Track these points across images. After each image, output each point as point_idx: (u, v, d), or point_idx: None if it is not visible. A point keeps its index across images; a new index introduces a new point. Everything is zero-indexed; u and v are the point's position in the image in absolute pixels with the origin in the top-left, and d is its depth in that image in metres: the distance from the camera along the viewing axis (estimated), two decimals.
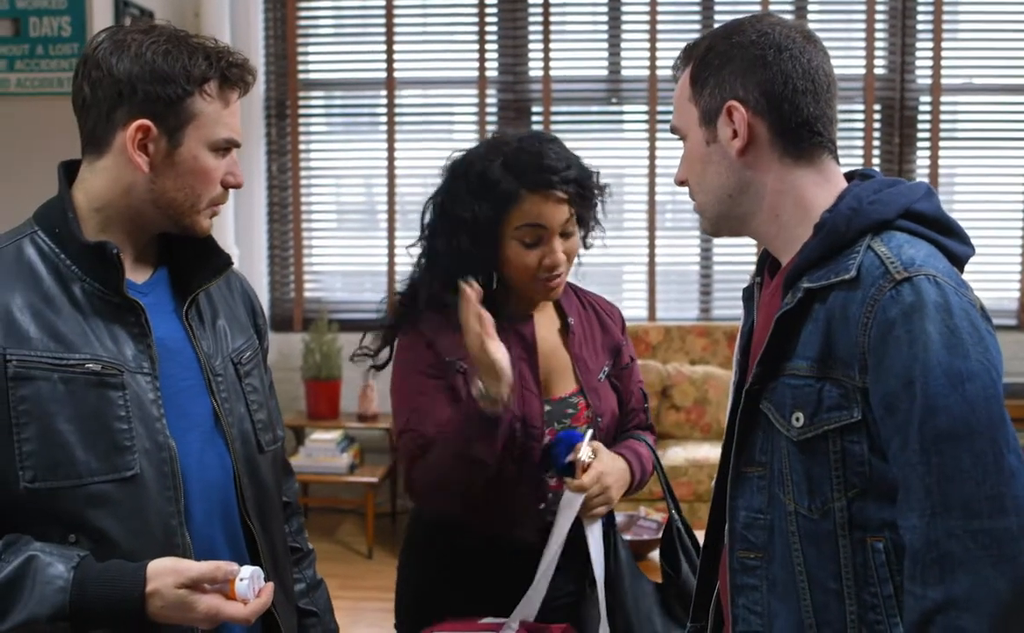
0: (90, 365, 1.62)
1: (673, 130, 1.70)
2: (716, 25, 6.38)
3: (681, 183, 1.71)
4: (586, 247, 2.34)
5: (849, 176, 1.65)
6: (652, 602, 2.32)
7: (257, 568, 1.65)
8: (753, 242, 6.81)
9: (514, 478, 2.23)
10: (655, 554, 3.11)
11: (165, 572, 1.57)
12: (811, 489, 1.53)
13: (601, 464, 2.20)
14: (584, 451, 2.19)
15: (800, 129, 1.58)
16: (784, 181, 1.60)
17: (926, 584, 1.42)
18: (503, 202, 2.18)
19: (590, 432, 2.23)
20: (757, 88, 1.57)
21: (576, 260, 2.31)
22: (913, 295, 1.45)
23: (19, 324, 1.60)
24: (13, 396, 1.58)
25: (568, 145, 2.33)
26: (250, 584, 1.61)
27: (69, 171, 1.74)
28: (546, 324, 2.33)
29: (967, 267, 1.58)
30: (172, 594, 1.56)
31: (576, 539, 2.21)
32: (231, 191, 1.79)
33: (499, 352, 2.04)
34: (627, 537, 3.48)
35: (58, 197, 1.71)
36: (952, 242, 1.56)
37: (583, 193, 2.24)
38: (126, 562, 1.59)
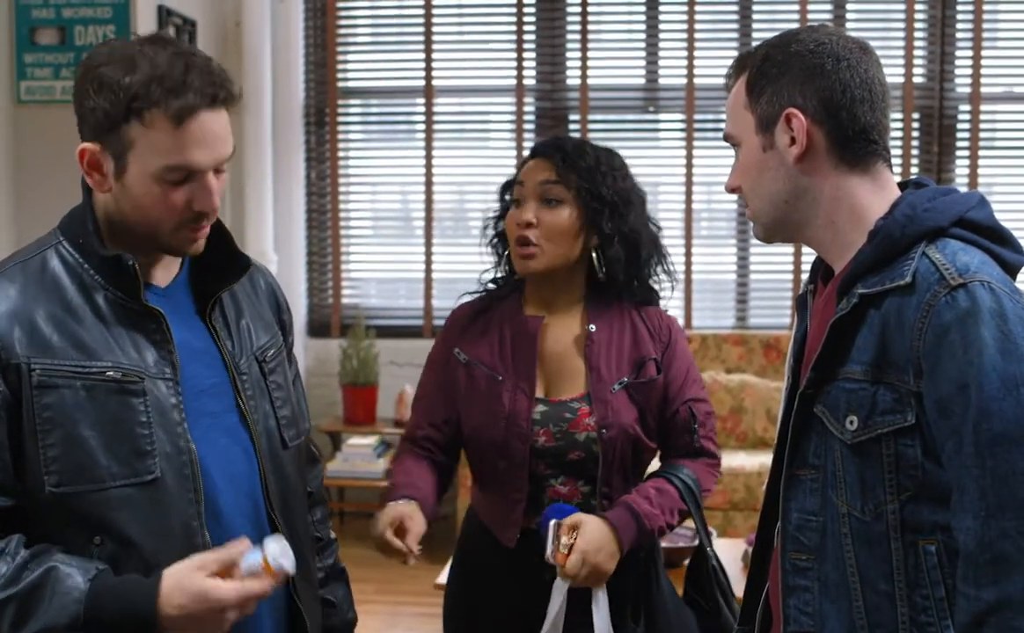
0: (111, 373, 1.65)
1: (726, 138, 1.72)
2: (753, 34, 6.40)
3: (732, 190, 1.73)
4: (606, 240, 2.29)
5: (903, 185, 1.67)
6: None
7: (276, 535, 1.67)
8: (790, 251, 6.77)
9: (502, 473, 2.26)
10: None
11: (180, 570, 1.61)
12: (864, 491, 1.55)
13: (584, 541, 2.14)
14: (550, 548, 2.15)
15: (857, 137, 1.61)
16: (840, 188, 1.62)
17: (979, 585, 1.44)
18: (516, 177, 2.35)
19: (553, 523, 2.16)
20: (815, 96, 1.60)
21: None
22: (968, 301, 1.47)
23: (42, 334, 1.64)
24: (38, 404, 1.62)
25: None
26: (282, 551, 1.64)
27: None
28: (564, 327, 2.32)
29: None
30: (190, 584, 1.59)
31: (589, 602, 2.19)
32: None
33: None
34: (664, 544, 3.49)
35: (81, 207, 1.75)
36: (1005, 251, 1.58)
37: (568, 160, 2.28)
38: (142, 578, 1.62)
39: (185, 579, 1.60)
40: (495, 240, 2.40)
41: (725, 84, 1.73)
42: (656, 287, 2.38)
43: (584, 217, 2.27)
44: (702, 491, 2.32)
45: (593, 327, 2.30)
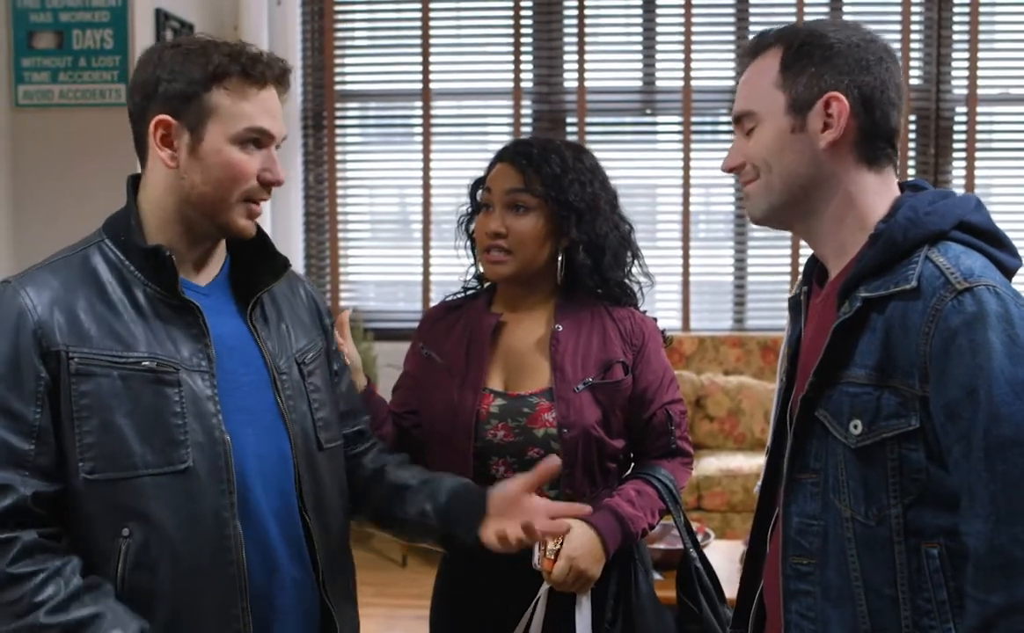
0: (146, 363, 1.71)
1: (739, 115, 1.68)
2: (750, 36, 6.40)
3: (731, 169, 1.70)
4: (572, 246, 2.29)
5: (899, 188, 1.67)
6: None
7: None
8: (787, 252, 6.72)
9: (450, 468, 2.27)
10: None
11: None
12: (867, 496, 1.55)
13: (570, 547, 2.14)
14: (536, 555, 2.14)
15: (881, 138, 1.62)
16: (856, 184, 1.62)
17: (989, 589, 1.44)
18: (485, 176, 2.35)
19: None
20: (858, 89, 1.59)
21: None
22: (975, 305, 1.47)
23: (82, 324, 1.70)
24: (75, 391, 1.68)
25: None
26: None
27: (137, 184, 1.83)
28: (531, 325, 2.34)
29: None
30: None
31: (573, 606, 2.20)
32: (270, 197, 1.84)
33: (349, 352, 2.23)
34: (661, 546, 3.48)
35: (125, 206, 1.81)
36: (1002, 254, 1.58)
37: (534, 166, 2.27)
38: None
39: None
40: (468, 242, 2.43)
41: (743, 57, 1.71)
42: (632, 286, 2.38)
43: (551, 223, 2.28)
44: (679, 488, 2.34)
45: (560, 326, 2.30)
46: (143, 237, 1.76)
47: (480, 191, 2.36)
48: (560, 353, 2.28)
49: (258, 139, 1.77)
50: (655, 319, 2.42)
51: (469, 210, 2.42)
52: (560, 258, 2.32)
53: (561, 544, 2.15)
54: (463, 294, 2.45)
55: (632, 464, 2.40)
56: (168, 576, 1.70)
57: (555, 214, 2.27)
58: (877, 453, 1.53)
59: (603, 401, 2.27)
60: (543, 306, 2.35)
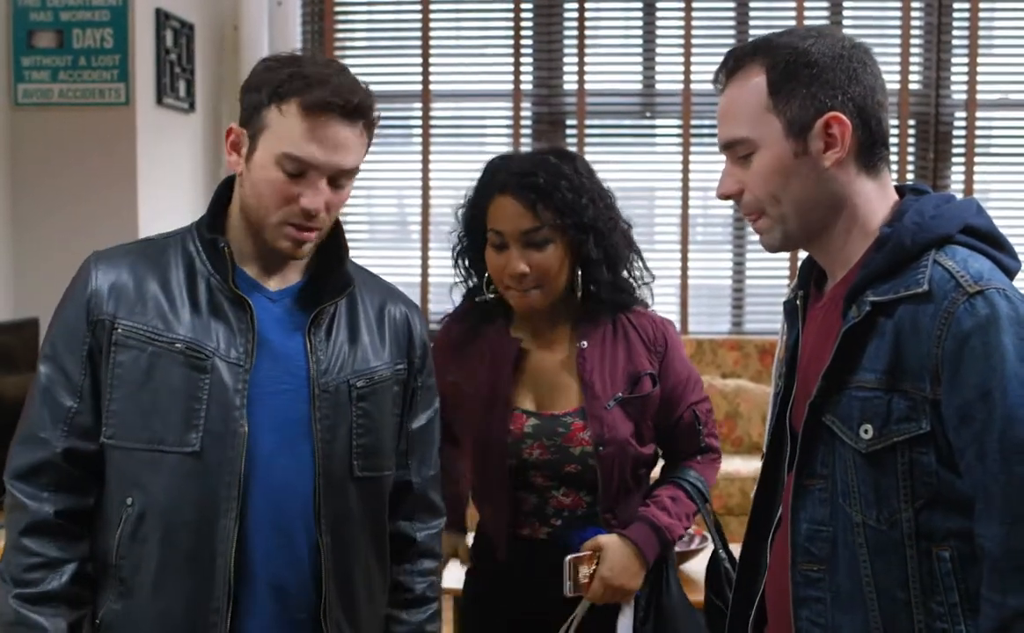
0: (179, 345, 1.78)
1: (731, 142, 1.64)
2: (750, 39, 6.36)
3: (726, 197, 1.67)
4: (593, 265, 2.26)
5: (899, 190, 1.67)
6: None
7: None
8: (786, 256, 6.65)
9: (485, 489, 2.30)
10: (688, 566, 3.11)
11: None
12: (878, 500, 1.55)
13: (606, 567, 2.17)
14: (567, 585, 2.15)
15: (878, 143, 1.62)
16: (860, 194, 1.62)
17: (1006, 592, 1.44)
18: (481, 203, 2.26)
19: (567, 560, 2.17)
20: (852, 102, 1.58)
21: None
22: (987, 308, 1.47)
23: (133, 300, 1.80)
24: (113, 360, 1.79)
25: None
26: None
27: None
28: (555, 344, 2.31)
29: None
30: None
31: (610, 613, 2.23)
32: (321, 227, 1.82)
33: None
34: None
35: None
36: (1004, 257, 1.59)
37: (545, 200, 2.20)
38: None
39: None
40: (467, 271, 2.37)
41: (718, 82, 1.67)
42: (635, 284, 2.36)
43: (571, 247, 2.24)
44: (708, 487, 2.37)
45: (584, 343, 2.28)
46: (211, 229, 1.84)
47: (491, 231, 2.25)
48: (588, 371, 2.26)
49: (299, 165, 1.75)
50: (669, 321, 2.41)
51: (463, 237, 2.34)
52: (579, 273, 2.29)
53: (595, 567, 2.17)
54: (470, 304, 2.39)
55: (660, 461, 2.41)
56: (155, 551, 1.75)
57: (575, 239, 2.23)
58: (888, 457, 1.53)
59: (634, 415, 2.27)
60: (563, 323, 2.32)
